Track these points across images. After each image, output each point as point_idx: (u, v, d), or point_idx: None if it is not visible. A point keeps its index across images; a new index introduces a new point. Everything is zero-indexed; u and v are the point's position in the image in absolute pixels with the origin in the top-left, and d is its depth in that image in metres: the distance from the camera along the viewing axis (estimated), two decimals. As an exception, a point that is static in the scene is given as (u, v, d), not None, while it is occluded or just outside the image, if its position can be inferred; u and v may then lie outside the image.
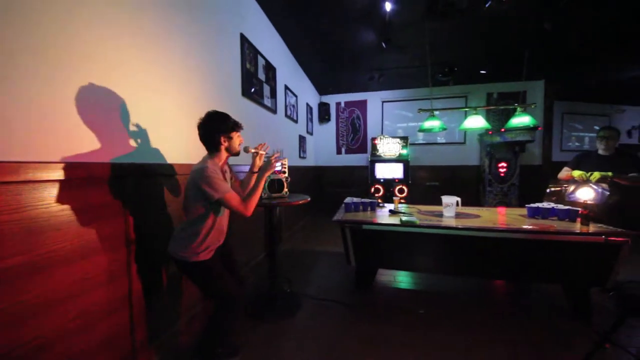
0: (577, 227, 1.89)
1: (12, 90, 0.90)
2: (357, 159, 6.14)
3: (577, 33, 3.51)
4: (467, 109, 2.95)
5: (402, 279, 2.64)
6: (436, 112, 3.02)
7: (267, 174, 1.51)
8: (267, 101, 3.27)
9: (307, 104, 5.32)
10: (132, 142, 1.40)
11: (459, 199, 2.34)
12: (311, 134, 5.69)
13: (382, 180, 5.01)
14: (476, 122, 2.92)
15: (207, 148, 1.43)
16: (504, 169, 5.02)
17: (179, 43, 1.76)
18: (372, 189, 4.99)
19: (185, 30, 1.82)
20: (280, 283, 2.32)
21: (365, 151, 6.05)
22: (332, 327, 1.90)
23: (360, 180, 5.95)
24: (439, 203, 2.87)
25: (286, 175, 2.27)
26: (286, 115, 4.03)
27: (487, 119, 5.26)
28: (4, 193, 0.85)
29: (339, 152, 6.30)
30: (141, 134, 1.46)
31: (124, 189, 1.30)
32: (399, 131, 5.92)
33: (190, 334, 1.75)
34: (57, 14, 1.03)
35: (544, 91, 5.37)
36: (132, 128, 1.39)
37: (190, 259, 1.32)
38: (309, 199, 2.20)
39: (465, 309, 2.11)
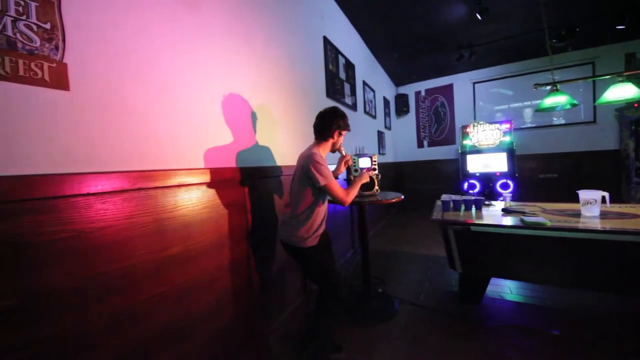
0: None
1: (165, 114, 1.10)
2: (443, 152, 5.54)
3: None
4: (607, 76, 2.26)
5: (523, 291, 2.20)
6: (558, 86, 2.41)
7: (362, 181, 1.65)
8: (348, 99, 3.24)
9: (384, 98, 5.09)
10: (248, 147, 1.57)
11: (605, 194, 1.80)
12: (389, 128, 5.43)
13: (477, 175, 4.38)
14: (624, 92, 2.21)
15: (318, 136, 1.53)
16: (662, 153, 3.71)
17: (276, 50, 1.88)
18: (465, 185, 4.41)
19: (279, 38, 1.93)
20: (373, 283, 2.24)
21: (452, 142, 5.41)
22: (439, 337, 1.71)
23: (447, 175, 5.35)
24: (560, 199, 2.30)
25: (376, 172, 2.18)
26: (365, 111, 3.94)
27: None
28: (166, 195, 1.04)
29: (420, 145, 5.83)
30: (254, 139, 1.62)
31: (246, 188, 1.48)
32: (498, 115, 5.04)
33: (295, 324, 1.85)
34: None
35: None
36: (251, 134, 1.59)
37: (300, 244, 1.41)
38: (402, 196, 2.06)
39: (615, 335, 1.61)
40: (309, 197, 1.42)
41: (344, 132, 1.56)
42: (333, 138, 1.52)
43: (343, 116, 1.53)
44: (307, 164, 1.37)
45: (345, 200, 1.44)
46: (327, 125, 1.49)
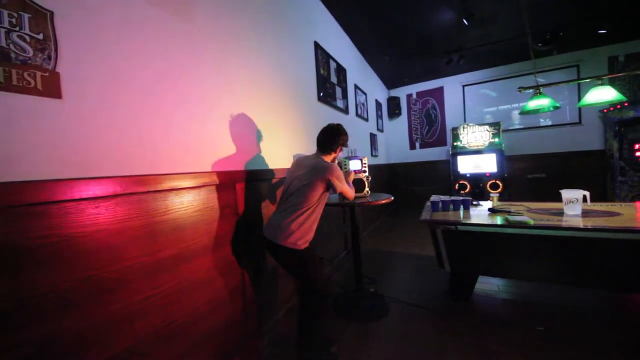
0: None
1: (162, 119, 1.12)
2: (435, 153, 5.63)
3: None
4: (587, 79, 2.35)
5: (509, 289, 2.26)
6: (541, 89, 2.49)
7: (350, 178, 1.93)
8: (340, 103, 3.29)
9: (376, 101, 5.16)
10: (239, 151, 1.59)
11: (587, 193, 1.87)
12: (382, 131, 5.50)
13: (467, 176, 4.46)
14: (603, 94, 2.30)
15: (322, 149, 1.63)
16: (644, 152, 3.85)
17: (266, 56, 1.92)
18: (457, 186, 4.49)
19: (270, 45, 1.97)
20: (365, 283, 2.28)
21: (444, 144, 5.50)
22: (429, 335, 1.75)
23: (439, 176, 5.44)
24: (547, 199, 2.38)
25: (367, 174, 2.23)
26: (357, 114, 3.99)
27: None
28: (158, 199, 1.07)
29: (412, 147, 5.91)
30: (245, 143, 1.64)
31: (237, 191, 1.50)
32: (487, 117, 5.15)
33: (289, 324, 1.87)
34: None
35: None
36: (242, 138, 1.61)
37: (300, 247, 1.42)
38: (392, 198, 2.11)
39: (599, 329, 1.68)
40: (313, 202, 1.44)
41: (342, 149, 1.70)
42: (335, 152, 1.65)
43: (346, 134, 1.67)
44: (325, 174, 1.45)
45: (352, 196, 1.69)
46: (332, 141, 1.60)
